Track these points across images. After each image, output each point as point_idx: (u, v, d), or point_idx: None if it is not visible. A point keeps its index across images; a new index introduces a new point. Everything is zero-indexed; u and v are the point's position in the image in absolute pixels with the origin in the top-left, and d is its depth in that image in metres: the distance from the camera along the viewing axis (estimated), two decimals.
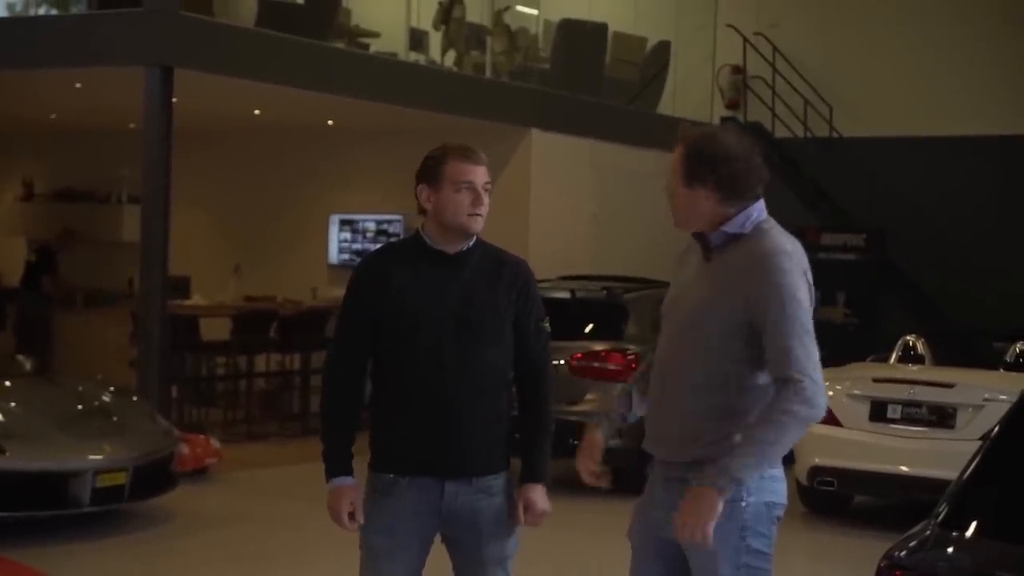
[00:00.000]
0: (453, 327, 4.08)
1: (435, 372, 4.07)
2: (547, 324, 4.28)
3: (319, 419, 4.31)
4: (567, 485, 6.31)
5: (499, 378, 4.18)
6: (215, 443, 10.98)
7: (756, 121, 17.48)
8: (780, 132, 17.38)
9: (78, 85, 12.26)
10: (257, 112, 13.66)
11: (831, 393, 9.84)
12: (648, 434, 4.00)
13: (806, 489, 9.99)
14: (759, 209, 3.85)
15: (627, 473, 7.22)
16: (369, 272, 4.21)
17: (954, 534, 3.58)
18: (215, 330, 13.35)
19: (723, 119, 17.41)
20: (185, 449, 10.53)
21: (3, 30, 11.96)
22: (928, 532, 3.61)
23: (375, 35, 14.66)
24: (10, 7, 13.09)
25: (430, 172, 4.14)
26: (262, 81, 11.49)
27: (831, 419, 9.72)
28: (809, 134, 17.25)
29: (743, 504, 3.73)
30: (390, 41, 14.50)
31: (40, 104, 13.90)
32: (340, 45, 13.42)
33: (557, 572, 8.22)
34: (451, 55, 14.63)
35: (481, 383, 4.12)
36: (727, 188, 3.78)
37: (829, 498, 10.04)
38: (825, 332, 15.02)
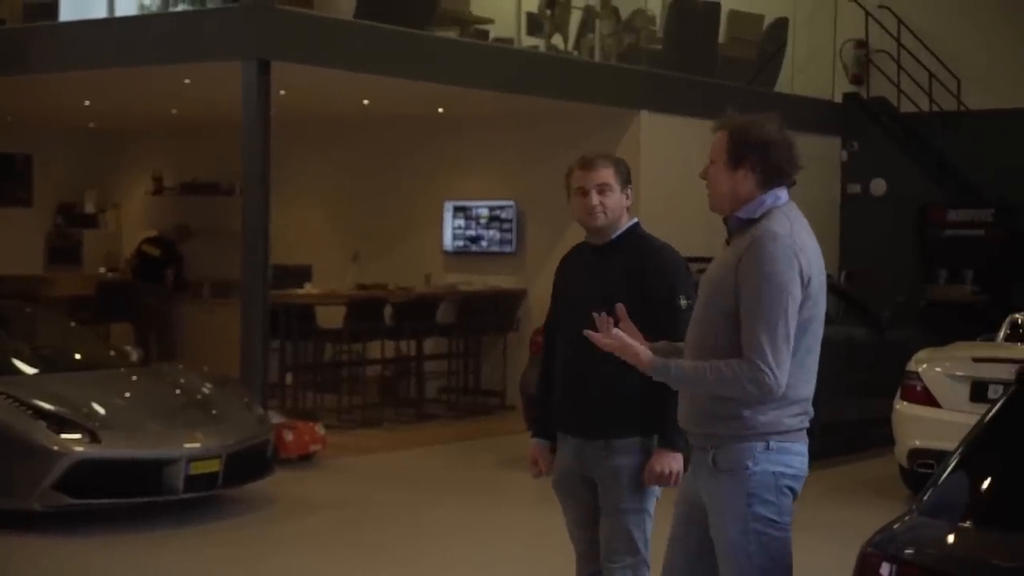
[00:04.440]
0: (585, 310, 4.34)
1: (570, 349, 4.68)
2: (682, 302, 4.63)
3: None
4: None
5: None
6: (320, 429, 11.13)
7: (881, 96, 17.07)
8: (905, 107, 16.93)
9: (187, 81, 12.54)
10: (366, 102, 13.79)
11: (931, 373, 9.59)
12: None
13: (907, 471, 9.75)
14: (775, 196, 4.00)
15: None
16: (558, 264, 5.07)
17: (937, 521, 3.48)
18: (334, 318, 13.53)
19: (846, 95, 17.05)
20: (290, 436, 10.76)
21: (118, 29, 12.28)
22: (908, 518, 3.51)
23: (489, 21, 14.65)
24: (142, 6, 13.41)
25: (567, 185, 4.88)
26: (362, 72, 11.57)
27: (930, 400, 9.48)
28: (935, 108, 16.77)
29: (747, 472, 3.84)
30: (504, 27, 14.47)
31: (158, 100, 14.24)
32: (451, 33, 13.44)
33: None
34: (558, 39, 14.57)
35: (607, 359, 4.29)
36: (766, 172, 3.99)
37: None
38: (953, 311, 14.50)
